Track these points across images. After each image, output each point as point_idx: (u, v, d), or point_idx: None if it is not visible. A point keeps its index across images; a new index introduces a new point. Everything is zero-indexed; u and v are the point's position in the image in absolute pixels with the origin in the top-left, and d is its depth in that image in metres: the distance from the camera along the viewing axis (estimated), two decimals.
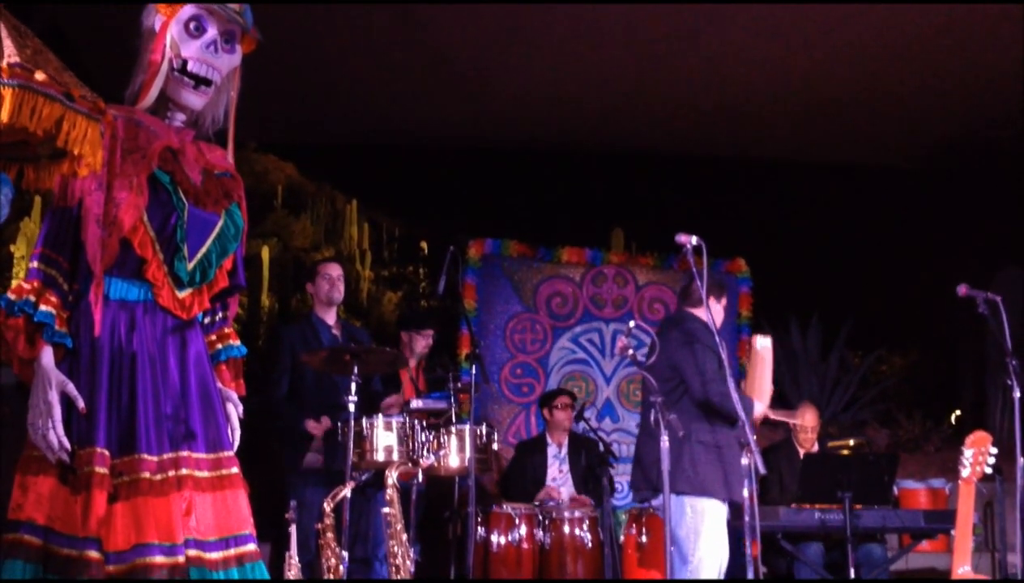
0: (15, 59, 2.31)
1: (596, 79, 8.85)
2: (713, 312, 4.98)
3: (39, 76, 2.33)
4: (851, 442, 7.81)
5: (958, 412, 10.62)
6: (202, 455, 2.73)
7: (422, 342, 6.45)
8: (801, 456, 6.65)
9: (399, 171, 10.68)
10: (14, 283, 7.45)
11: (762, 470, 4.25)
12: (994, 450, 4.41)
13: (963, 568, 4.35)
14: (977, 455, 4.41)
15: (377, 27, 7.94)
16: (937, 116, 9.28)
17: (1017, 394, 4.52)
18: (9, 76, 2.28)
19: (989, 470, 4.45)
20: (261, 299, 11.23)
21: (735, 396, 4.40)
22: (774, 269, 9.44)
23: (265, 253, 11.45)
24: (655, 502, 5.02)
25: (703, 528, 4.89)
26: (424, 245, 12.71)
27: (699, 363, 4.94)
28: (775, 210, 10.61)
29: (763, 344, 5.37)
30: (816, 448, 6.88)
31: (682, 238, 4.37)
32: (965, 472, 4.44)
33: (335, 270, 5.85)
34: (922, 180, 10.47)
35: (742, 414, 4.37)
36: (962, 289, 4.68)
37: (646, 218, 9.67)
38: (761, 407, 5.16)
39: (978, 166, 9.76)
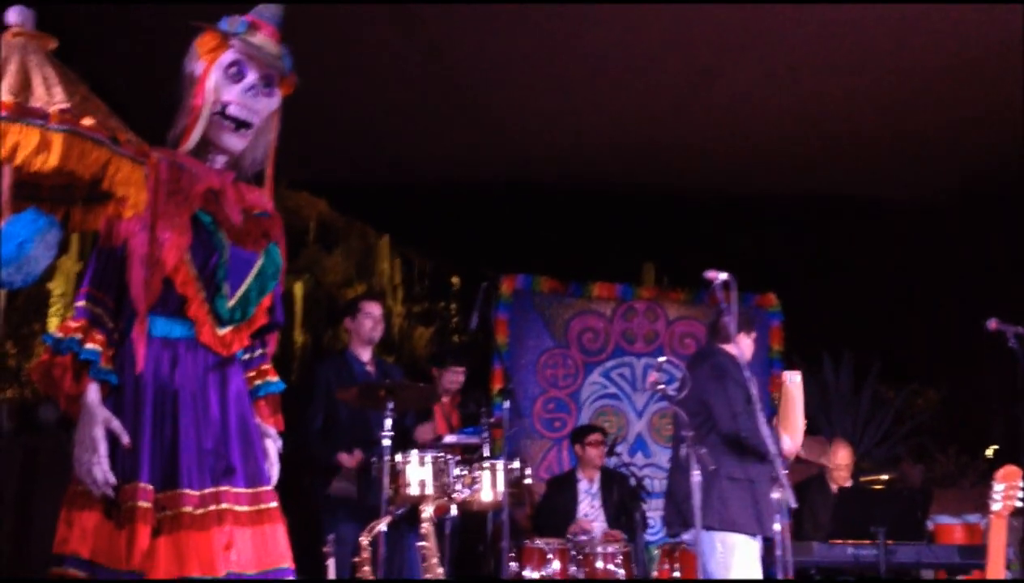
0: (64, 105, 2.39)
1: (626, 116, 8.91)
2: (743, 347, 4.99)
3: (87, 121, 2.40)
4: (884, 477, 7.76)
5: (994, 446, 10.50)
6: (242, 490, 2.78)
7: (453, 378, 6.49)
8: (834, 491, 6.61)
9: (430, 207, 10.74)
10: (60, 322, 7.58)
11: (793, 504, 4.25)
12: None
13: None
14: (1008, 489, 4.38)
15: (408, 66, 8.04)
16: (966, 150, 9.27)
17: None
18: (59, 122, 2.35)
19: (1020, 504, 4.42)
20: (294, 335, 11.29)
21: (765, 430, 4.41)
22: (806, 304, 9.42)
23: (298, 289, 11.52)
24: (686, 537, 5.02)
25: (733, 562, 4.87)
26: (455, 280, 12.75)
27: (728, 398, 4.94)
28: (806, 245, 10.59)
29: (793, 380, 5.37)
30: (850, 484, 6.85)
31: (711, 274, 4.41)
32: (996, 506, 4.41)
33: (377, 309, 5.90)
34: (952, 214, 10.44)
35: (772, 448, 4.38)
36: (992, 323, 4.68)
37: (677, 253, 9.68)
38: (792, 444, 5.16)
39: (1007, 199, 9.73)
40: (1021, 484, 4.39)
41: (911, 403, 11.30)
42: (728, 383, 4.94)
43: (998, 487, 4.40)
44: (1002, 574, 4.31)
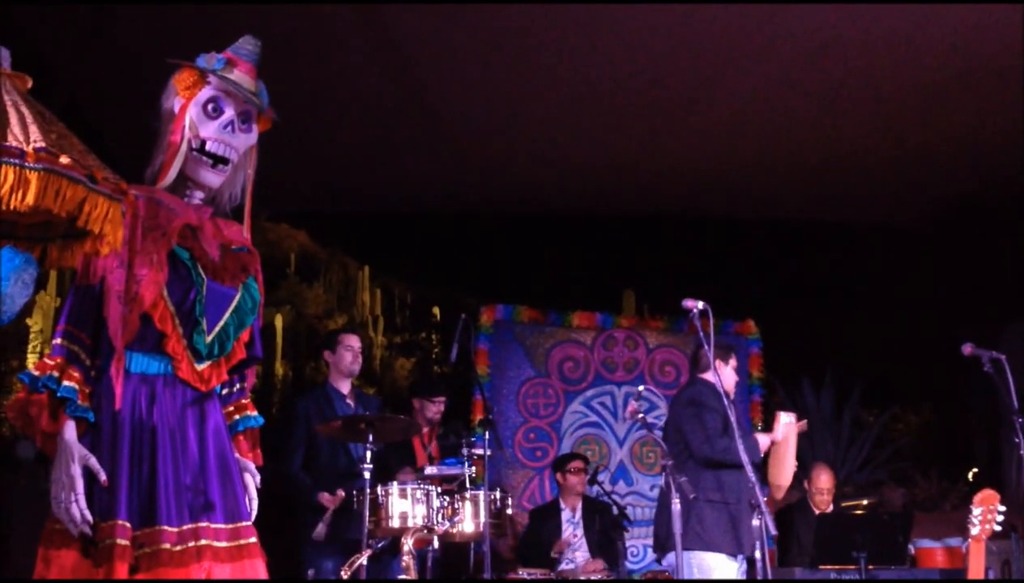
0: (40, 144, 2.39)
1: (603, 144, 8.96)
2: (723, 375, 5.05)
3: (64, 160, 2.41)
4: (864, 502, 7.77)
5: (975, 470, 10.54)
6: (221, 525, 2.77)
7: (433, 408, 6.49)
8: (817, 516, 6.63)
9: (410, 237, 10.76)
10: (36, 358, 7.54)
11: (772, 531, 4.28)
12: (1002, 508, 4.43)
13: None
14: (986, 513, 4.42)
15: (387, 97, 8.07)
16: (942, 174, 9.36)
17: None
18: (35, 160, 2.36)
19: (999, 528, 4.46)
20: (275, 367, 11.26)
21: (740, 446, 4.44)
22: (785, 330, 9.46)
23: (279, 321, 11.50)
24: (665, 563, 5.08)
25: None
26: (436, 311, 12.76)
27: (702, 424, 5.03)
28: (784, 271, 10.64)
29: (785, 421, 5.43)
30: (831, 509, 6.86)
31: (688, 303, 4.45)
32: (975, 530, 4.45)
33: (357, 342, 5.91)
34: (930, 237, 10.52)
35: (751, 474, 4.41)
36: (967, 348, 4.73)
37: (656, 280, 9.72)
38: (783, 483, 5.27)
39: (986, 221, 9.81)
40: (999, 508, 4.43)
41: (892, 427, 11.34)
42: (702, 411, 5.01)
43: (976, 511, 4.44)
44: None
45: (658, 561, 6.21)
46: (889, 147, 8.93)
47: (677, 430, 5.06)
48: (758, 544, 4.61)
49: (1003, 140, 8.56)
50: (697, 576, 4.95)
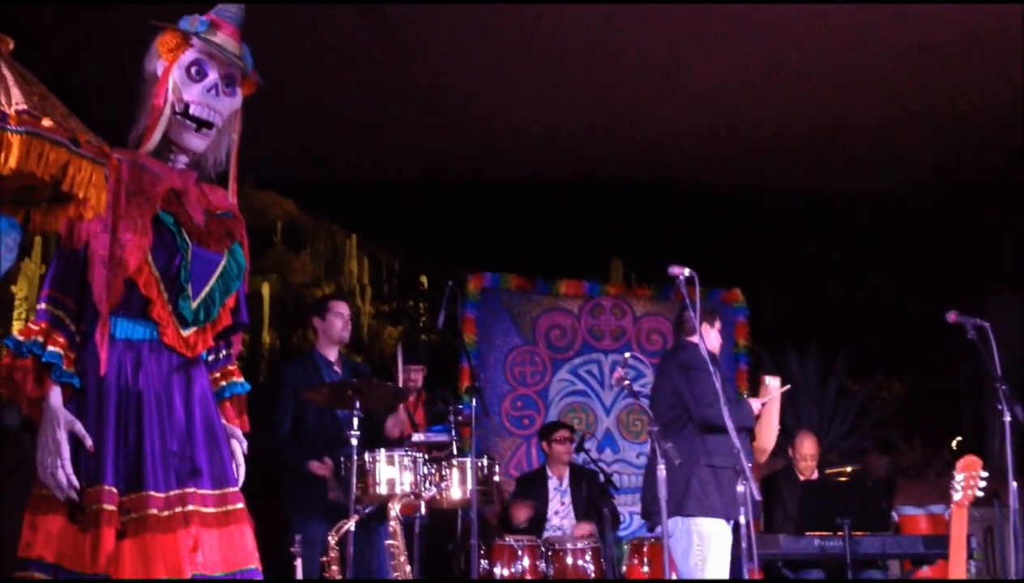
0: (22, 106, 2.36)
1: (592, 112, 8.94)
2: (708, 338, 5.07)
3: (46, 122, 2.38)
4: (848, 469, 7.83)
5: (958, 438, 10.62)
6: (208, 491, 2.77)
7: (413, 376, 6.48)
8: (801, 483, 6.67)
9: (398, 206, 10.73)
10: (21, 325, 7.51)
11: (757, 497, 4.30)
12: (984, 474, 4.47)
13: None
14: (968, 479, 4.46)
15: (374, 63, 8.03)
16: (930, 143, 9.37)
17: (1007, 418, 4.58)
18: (17, 123, 2.33)
19: (980, 494, 4.50)
20: (262, 336, 11.24)
21: (726, 412, 4.46)
22: (771, 298, 9.49)
23: (266, 290, 11.48)
24: (659, 530, 5.07)
25: (711, 554, 4.91)
26: (424, 280, 12.74)
27: (701, 387, 5.03)
28: (771, 240, 10.66)
29: (772, 385, 5.47)
30: (816, 476, 6.91)
31: (675, 270, 4.45)
32: (957, 496, 4.50)
33: (346, 309, 5.89)
34: (915, 207, 10.54)
35: (736, 441, 4.43)
36: (951, 316, 4.74)
37: (644, 249, 9.72)
38: (767, 446, 5.29)
39: (970, 191, 9.84)
40: (981, 474, 4.47)
41: (876, 396, 11.41)
42: (693, 374, 5.03)
43: (959, 477, 4.48)
44: (963, 563, 4.38)
45: (650, 529, 6.25)
46: (876, 117, 8.94)
47: (674, 394, 5.06)
48: (742, 510, 4.63)
49: (988, 111, 8.59)
50: (696, 542, 4.96)
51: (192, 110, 2.87)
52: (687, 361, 5.12)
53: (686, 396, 5.12)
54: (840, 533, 5.77)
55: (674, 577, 5.20)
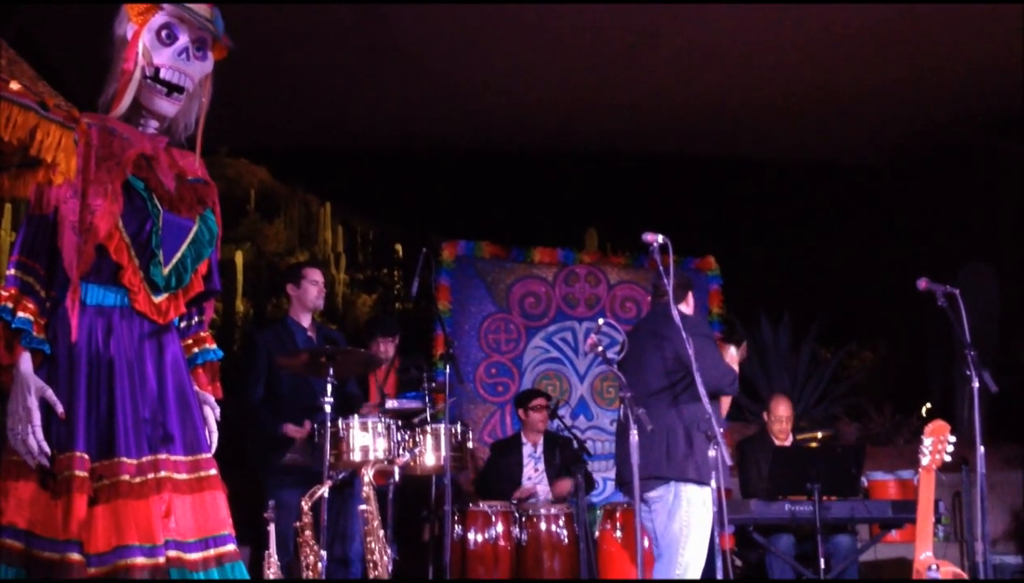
0: None
1: (566, 80, 8.92)
2: (682, 310, 5.06)
3: (14, 85, 2.37)
4: (819, 434, 7.90)
5: (928, 405, 10.74)
6: (180, 457, 2.77)
7: (384, 347, 6.49)
8: (774, 448, 6.74)
9: (372, 174, 10.70)
10: None
11: (728, 462, 4.34)
12: (952, 438, 4.53)
13: (925, 554, 4.46)
14: (936, 443, 4.52)
15: (348, 30, 7.98)
16: (900, 112, 9.42)
17: (976, 384, 4.63)
18: None
19: (948, 458, 4.56)
20: (236, 304, 11.22)
21: (698, 378, 4.47)
22: (745, 266, 9.54)
23: (239, 258, 11.45)
24: (653, 492, 4.99)
25: (695, 521, 4.87)
26: (398, 248, 12.74)
27: (713, 350, 5.01)
28: (745, 208, 10.71)
29: (732, 353, 5.51)
30: (790, 440, 6.98)
31: (648, 237, 4.45)
32: (925, 460, 4.56)
33: (321, 276, 5.88)
34: (888, 176, 10.61)
35: (707, 401, 4.44)
36: (922, 283, 4.77)
37: (618, 218, 9.75)
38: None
39: (941, 160, 9.91)
40: (949, 438, 4.52)
41: (848, 363, 11.52)
42: (707, 340, 5.00)
43: (927, 441, 4.54)
44: (931, 527, 4.44)
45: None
46: (848, 86, 8.97)
47: (677, 359, 4.94)
48: (714, 474, 4.66)
49: (962, 79, 8.62)
50: (685, 508, 4.87)
51: (162, 74, 2.85)
52: (692, 326, 4.99)
53: (686, 359, 4.95)
54: (811, 498, 5.84)
55: (646, 543, 5.22)
